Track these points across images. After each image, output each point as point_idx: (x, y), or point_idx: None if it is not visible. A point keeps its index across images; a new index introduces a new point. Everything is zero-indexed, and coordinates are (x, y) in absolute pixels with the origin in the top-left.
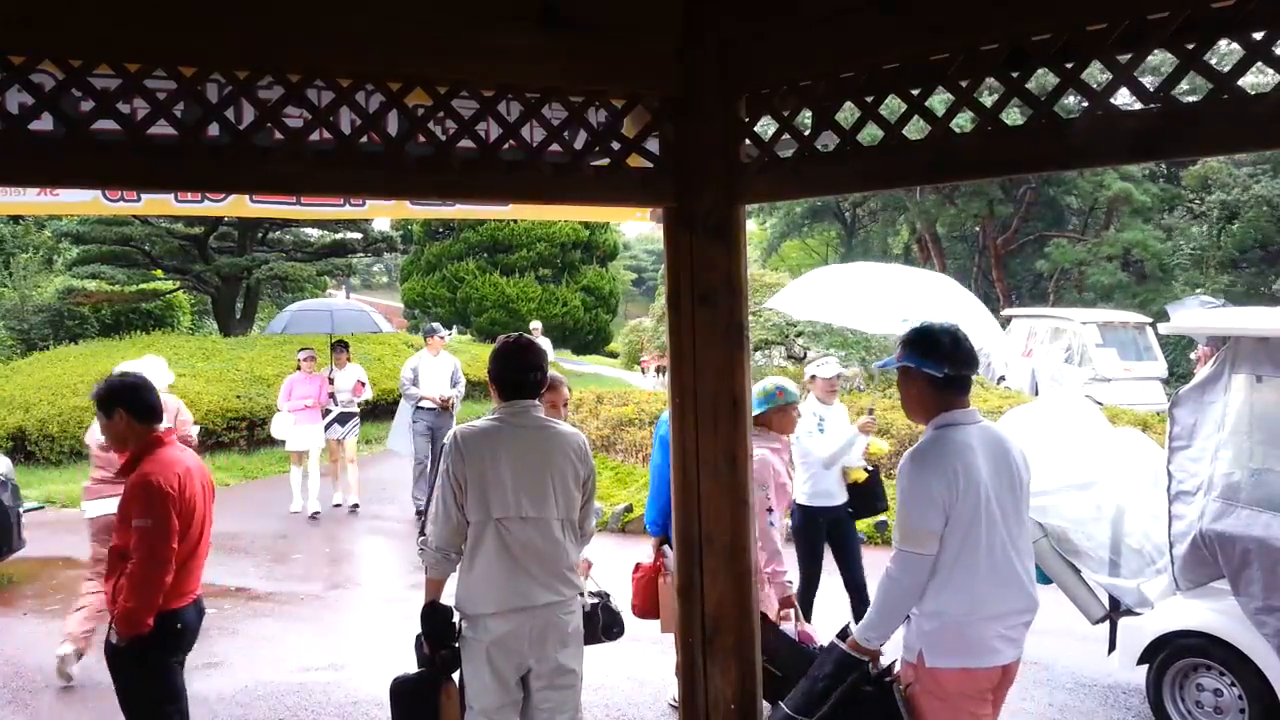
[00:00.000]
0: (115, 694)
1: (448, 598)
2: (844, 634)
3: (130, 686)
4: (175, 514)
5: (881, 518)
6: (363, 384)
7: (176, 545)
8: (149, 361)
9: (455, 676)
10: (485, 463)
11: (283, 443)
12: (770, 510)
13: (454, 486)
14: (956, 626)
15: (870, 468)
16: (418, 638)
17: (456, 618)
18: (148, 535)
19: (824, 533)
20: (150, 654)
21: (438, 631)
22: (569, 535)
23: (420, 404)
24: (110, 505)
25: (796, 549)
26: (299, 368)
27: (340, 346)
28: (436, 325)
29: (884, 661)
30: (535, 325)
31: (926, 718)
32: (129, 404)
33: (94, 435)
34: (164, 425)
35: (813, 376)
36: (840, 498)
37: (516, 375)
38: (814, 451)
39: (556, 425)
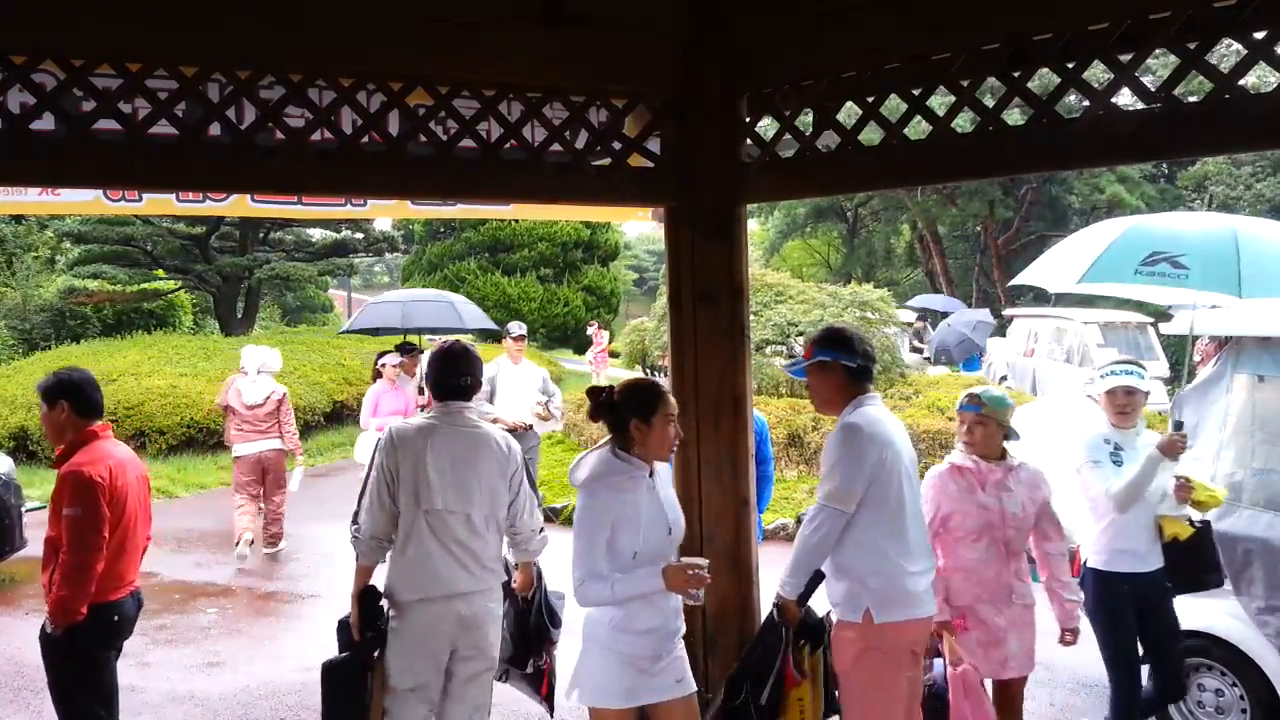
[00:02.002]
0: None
1: (379, 584)
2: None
3: (59, 677)
4: (105, 503)
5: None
6: (426, 399)
7: (107, 534)
8: (263, 351)
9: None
10: (416, 458)
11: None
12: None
13: (386, 479)
14: (900, 582)
15: (1198, 521)
16: (341, 622)
17: (385, 603)
18: (77, 524)
19: (1132, 605)
20: (81, 644)
21: (367, 616)
22: (492, 529)
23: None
24: (257, 447)
25: (1095, 629)
26: (378, 376)
27: (407, 350)
28: (515, 324)
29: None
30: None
31: (866, 674)
32: (73, 398)
33: (238, 396)
34: (266, 410)
35: (1110, 390)
36: (1155, 560)
37: (449, 379)
38: (1096, 486)
39: (489, 429)
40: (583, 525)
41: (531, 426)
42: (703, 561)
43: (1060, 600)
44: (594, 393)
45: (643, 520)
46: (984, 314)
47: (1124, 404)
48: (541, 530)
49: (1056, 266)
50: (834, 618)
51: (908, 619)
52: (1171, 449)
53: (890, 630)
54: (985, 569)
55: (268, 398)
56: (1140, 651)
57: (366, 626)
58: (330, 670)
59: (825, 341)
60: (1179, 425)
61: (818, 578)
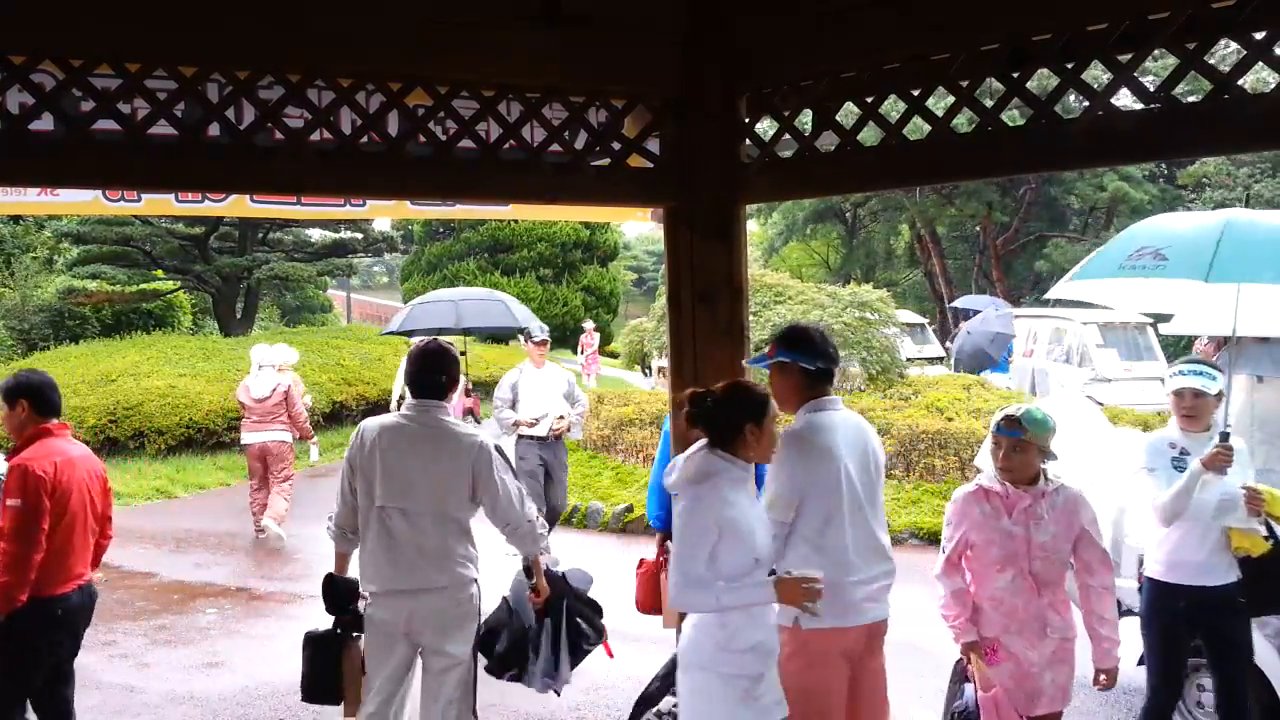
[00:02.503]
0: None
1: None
2: None
3: None
4: (46, 496)
5: None
6: (472, 400)
7: (46, 527)
8: (271, 348)
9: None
10: (377, 453)
11: None
12: (943, 550)
13: (348, 473)
14: (831, 590)
15: (1272, 535)
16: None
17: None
18: (18, 515)
19: (1187, 623)
20: (19, 632)
21: (333, 600)
22: (446, 528)
23: (523, 432)
24: (262, 436)
25: (1144, 638)
26: None
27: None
28: (536, 327)
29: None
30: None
31: (797, 679)
32: (32, 398)
33: (246, 391)
34: (273, 402)
35: (1177, 391)
36: (1222, 574)
37: (423, 377)
38: (1148, 495)
39: (454, 427)
40: (687, 528)
41: (559, 436)
42: (818, 573)
43: (1099, 639)
44: (696, 398)
45: (752, 525)
46: (1006, 322)
47: (1191, 407)
48: (538, 520)
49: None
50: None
51: (834, 627)
52: (1214, 462)
53: (815, 638)
54: (1012, 599)
55: (273, 390)
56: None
57: (333, 609)
58: (307, 641)
59: (786, 341)
60: (1225, 436)
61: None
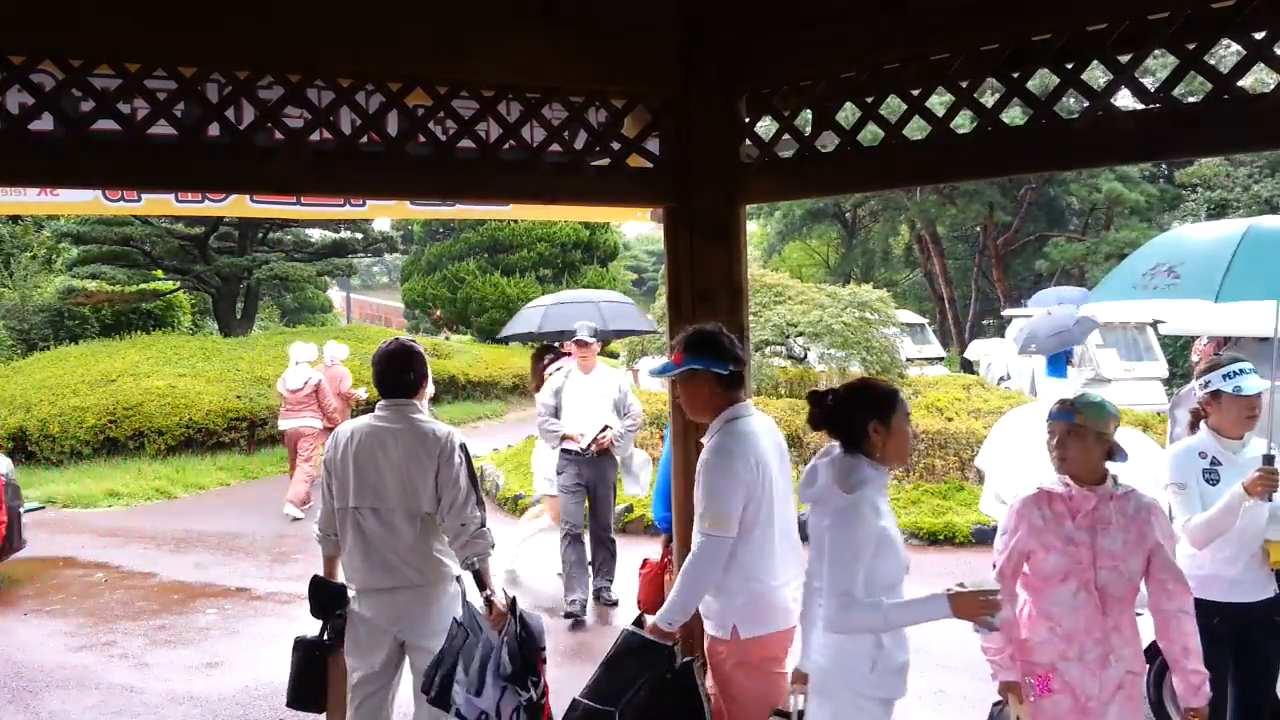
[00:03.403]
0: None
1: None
2: (639, 622)
3: None
4: None
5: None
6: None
7: None
8: (330, 346)
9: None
10: (349, 455)
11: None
12: (994, 565)
13: (325, 475)
14: (766, 596)
15: None
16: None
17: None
18: None
19: (1226, 639)
20: None
21: (318, 603)
22: (421, 525)
23: (565, 445)
24: (294, 423)
25: None
26: (546, 377)
27: (542, 353)
28: (583, 325)
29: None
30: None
31: (741, 688)
32: None
33: (284, 383)
34: (304, 393)
35: (1215, 393)
36: (1259, 589)
37: (390, 377)
38: (1177, 515)
39: (424, 424)
40: (844, 543)
41: (606, 451)
42: (995, 585)
43: (1185, 673)
44: (816, 397)
45: (898, 533)
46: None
47: (1254, 408)
48: (480, 528)
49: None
50: (708, 632)
51: (769, 632)
52: (1260, 488)
53: (754, 645)
54: (1072, 619)
55: (305, 383)
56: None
57: (318, 612)
58: (296, 646)
59: (695, 347)
60: (1269, 459)
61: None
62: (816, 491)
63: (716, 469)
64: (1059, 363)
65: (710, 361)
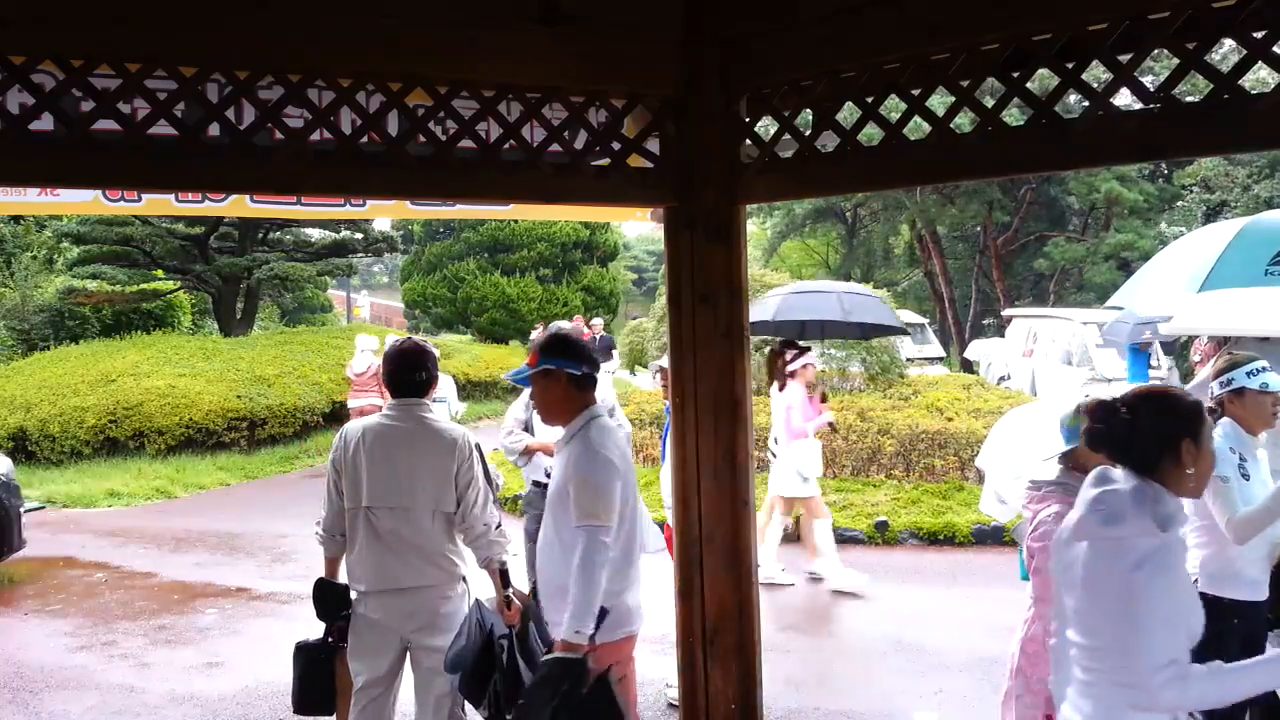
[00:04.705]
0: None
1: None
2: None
3: None
4: None
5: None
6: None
7: None
8: (369, 338)
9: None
10: (362, 454)
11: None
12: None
13: (333, 475)
14: (619, 599)
15: None
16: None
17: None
18: None
19: (1236, 638)
20: None
21: (324, 605)
22: (439, 524)
23: (534, 476)
24: (360, 401)
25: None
26: (788, 377)
27: (781, 349)
28: (596, 323)
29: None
30: (596, 322)
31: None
32: None
33: (351, 369)
34: (368, 375)
35: (1239, 390)
36: (1265, 588)
37: (401, 375)
38: (1220, 509)
39: (436, 423)
40: (1161, 595)
41: None
42: None
43: None
44: (1103, 411)
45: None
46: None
47: (1279, 404)
48: (498, 528)
49: (1158, 286)
50: (556, 637)
51: (624, 637)
52: None
53: (609, 650)
54: None
55: (369, 367)
56: None
57: (323, 615)
58: (298, 652)
59: (550, 349)
60: None
61: (601, 614)
62: (1122, 534)
63: (592, 462)
64: (1142, 364)
65: (564, 362)
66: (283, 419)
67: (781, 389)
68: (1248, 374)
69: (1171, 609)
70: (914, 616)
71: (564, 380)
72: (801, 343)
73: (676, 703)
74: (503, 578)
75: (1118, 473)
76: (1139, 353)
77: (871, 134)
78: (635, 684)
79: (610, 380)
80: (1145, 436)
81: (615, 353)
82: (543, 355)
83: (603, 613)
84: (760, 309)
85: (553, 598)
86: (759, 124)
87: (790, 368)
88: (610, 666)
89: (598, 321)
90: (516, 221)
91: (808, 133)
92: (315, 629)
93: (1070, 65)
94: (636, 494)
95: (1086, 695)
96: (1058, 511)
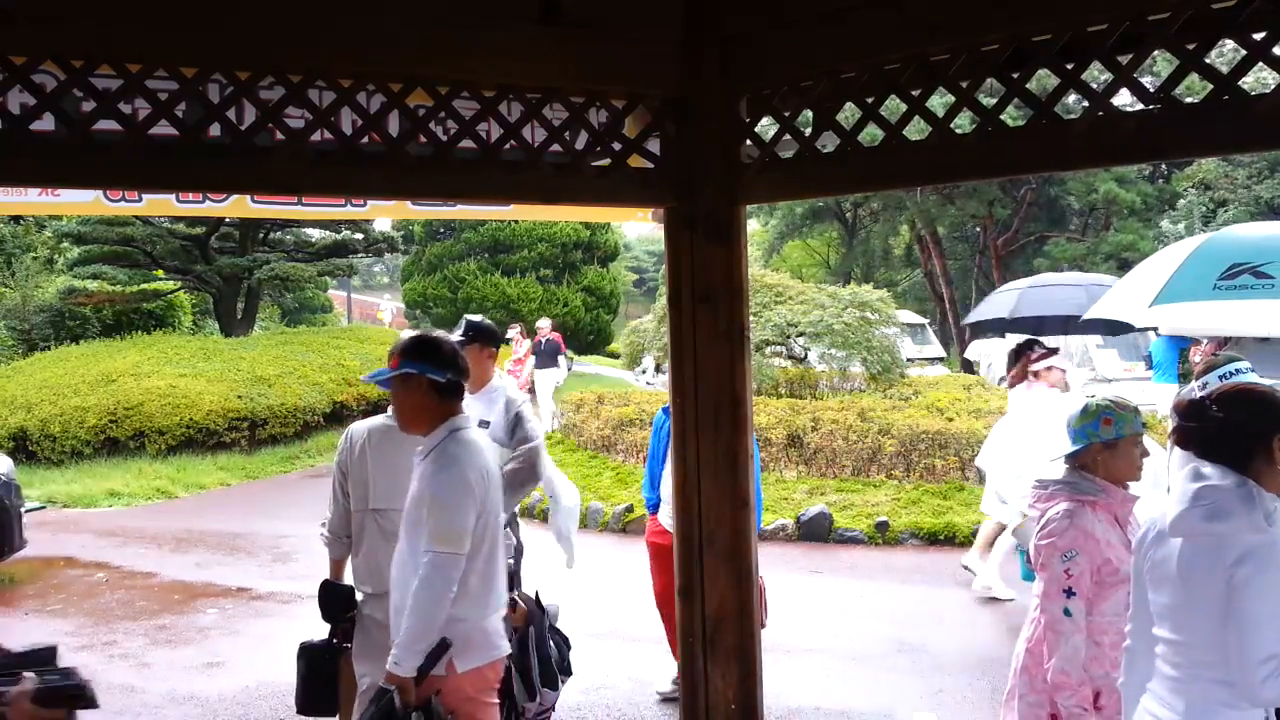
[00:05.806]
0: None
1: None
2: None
3: None
4: None
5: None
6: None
7: None
8: (410, 332)
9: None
10: (368, 456)
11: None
12: (1069, 593)
13: (339, 476)
14: (481, 625)
15: None
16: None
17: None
18: None
19: None
20: None
21: (328, 607)
22: None
23: None
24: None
25: None
26: (1031, 376)
27: (1022, 348)
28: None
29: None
30: (543, 323)
31: None
32: None
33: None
34: None
35: None
36: None
37: None
38: None
39: None
40: (1266, 592)
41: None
42: None
43: None
44: (1197, 408)
45: None
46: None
47: None
48: (506, 528)
49: (1129, 295)
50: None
51: (487, 663)
52: None
53: (472, 677)
54: (1119, 623)
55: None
56: None
57: (328, 616)
58: (302, 653)
59: (412, 352)
60: None
61: (442, 647)
62: (1226, 525)
63: (447, 481)
64: (1170, 366)
65: (426, 367)
66: (283, 419)
67: (1027, 387)
68: (1219, 377)
69: (1274, 605)
70: (914, 617)
71: (425, 386)
72: (1049, 343)
73: (665, 694)
74: (511, 579)
75: (1211, 469)
76: (1175, 349)
77: (872, 134)
78: (497, 715)
79: (551, 388)
80: (1237, 433)
81: (563, 358)
82: (403, 358)
83: (443, 644)
84: (996, 306)
85: (400, 615)
86: (759, 124)
87: (1034, 367)
88: (431, 696)
89: (544, 322)
90: (517, 222)
91: (808, 133)
92: (317, 629)
93: (1070, 65)
94: (498, 510)
95: (1179, 693)
96: (1067, 509)
